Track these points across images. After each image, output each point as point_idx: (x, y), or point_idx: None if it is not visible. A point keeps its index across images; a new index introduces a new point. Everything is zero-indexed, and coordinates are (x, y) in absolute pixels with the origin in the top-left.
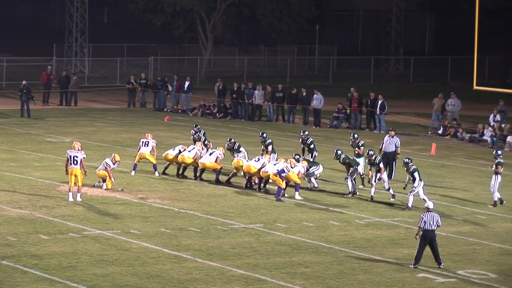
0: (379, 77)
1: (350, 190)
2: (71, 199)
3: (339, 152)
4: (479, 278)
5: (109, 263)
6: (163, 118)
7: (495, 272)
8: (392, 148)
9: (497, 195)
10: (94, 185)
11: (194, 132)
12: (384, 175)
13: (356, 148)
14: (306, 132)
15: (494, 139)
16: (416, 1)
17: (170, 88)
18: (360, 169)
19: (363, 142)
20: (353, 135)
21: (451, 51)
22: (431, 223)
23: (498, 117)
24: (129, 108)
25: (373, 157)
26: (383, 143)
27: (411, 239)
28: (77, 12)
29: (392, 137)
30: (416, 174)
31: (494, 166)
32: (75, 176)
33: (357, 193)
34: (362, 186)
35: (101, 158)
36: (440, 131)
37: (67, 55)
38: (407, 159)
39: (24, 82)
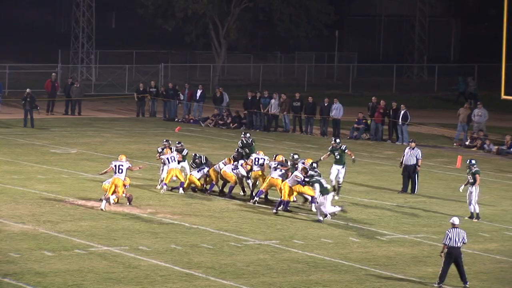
0: (401, 86)
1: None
2: (103, 207)
3: (314, 165)
4: None
5: (117, 281)
6: (174, 129)
7: None
8: (412, 161)
9: (476, 208)
10: (100, 199)
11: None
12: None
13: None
14: (338, 140)
15: None
16: (441, 6)
17: (181, 97)
18: (329, 197)
19: (303, 160)
20: (293, 155)
21: (477, 58)
22: (457, 240)
23: None
24: (138, 117)
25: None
26: (403, 156)
27: (435, 257)
28: (84, 16)
29: (413, 149)
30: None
31: (471, 176)
32: (116, 185)
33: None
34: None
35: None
36: (466, 143)
37: (72, 62)
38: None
39: (28, 90)
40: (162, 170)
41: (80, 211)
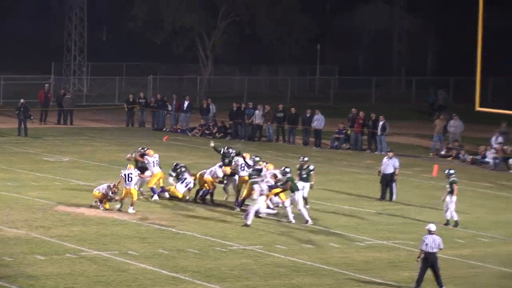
0: (380, 98)
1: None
2: (118, 206)
3: (287, 170)
4: None
5: (106, 284)
6: (162, 138)
7: None
8: (390, 170)
9: (455, 216)
10: (91, 206)
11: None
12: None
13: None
14: (306, 159)
15: (497, 161)
16: (419, 21)
17: (169, 108)
18: (299, 194)
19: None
20: (254, 157)
21: (454, 72)
22: (433, 245)
23: (500, 139)
24: (127, 127)
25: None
26: (381, 165)
27: (412, 262)
28: (76, 30)
29: (391, 158)
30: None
31: (449, 185)
32: (131, 193)
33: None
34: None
35: (99, 177)
36: (442, 153)
37: (65, 74)
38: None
39: (22, 100)
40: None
41: (72, 217)
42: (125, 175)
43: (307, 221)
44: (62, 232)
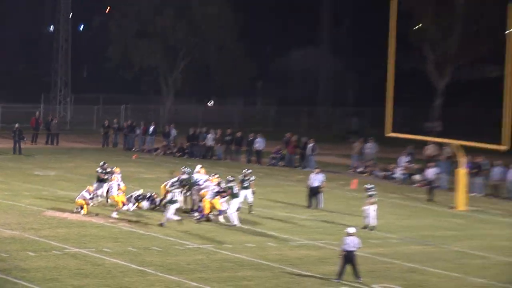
0: (310, 125)
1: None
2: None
3: (230, 178)
4: None
5: (85, 276)
6: (131, 156)
7: (403, 286)
8: (316, 183)
9: (373, 222)
10: (73, 211)
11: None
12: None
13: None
14: (250, 171)
15: (404, 177)
16: (341, 62)
17: (137, 132)
18: (236, 201)
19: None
20: (184, 168)
21: (370, 103)
22: (352, 245)
23: (407, 159)
24: (103, 147)
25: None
26: (309, 179)
27: (335, 258)
28: (62, 68)
29: (317, 174)
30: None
31: (368, 197)
32: (116, 201)
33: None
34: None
35: (80, 188)
36: (359, 170)
37: (52, 103)
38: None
39: (16, 125)
40: (102, 188)
41: (57, 220)
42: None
43: (234, 225)
44: (49, 233)
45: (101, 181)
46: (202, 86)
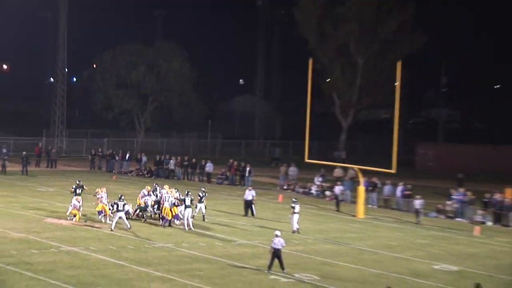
0: (248, 153)
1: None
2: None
3: (188, 192)
4: (308, 279)
5: (76, 267)
6: (112, 177)
7: (317, 275)
8: (250, 197)
9: (296, 226)
10: (67, 219)
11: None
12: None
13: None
14: (203, 189)
15: (318, 192)
16: (271, 105)
17: (117, 158)
18: (189, 210)
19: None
20: (155, 185)
21: (293, 137)
22: (278, 244)
23: (320, 179)
24: (91, 170)
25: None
26: (245, 194)
27: (266, 254)
28: (59, 110)
29: (250, 190)
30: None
31: (293, 207)
32: (104, 209)
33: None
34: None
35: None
36: (285, 187)
37: (52, 136)
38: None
39: (24, 153)
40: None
41: (55, 225)
42: (101, 196)
43: (190, 229)
44: (49, 235)
45: (77, 194)
46: (166, 124)
